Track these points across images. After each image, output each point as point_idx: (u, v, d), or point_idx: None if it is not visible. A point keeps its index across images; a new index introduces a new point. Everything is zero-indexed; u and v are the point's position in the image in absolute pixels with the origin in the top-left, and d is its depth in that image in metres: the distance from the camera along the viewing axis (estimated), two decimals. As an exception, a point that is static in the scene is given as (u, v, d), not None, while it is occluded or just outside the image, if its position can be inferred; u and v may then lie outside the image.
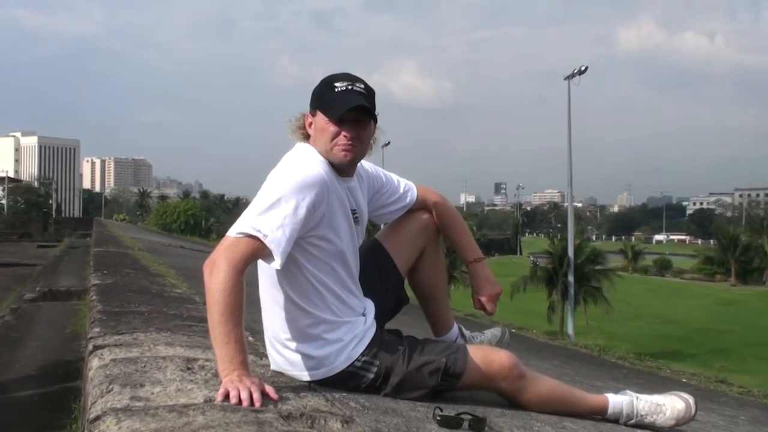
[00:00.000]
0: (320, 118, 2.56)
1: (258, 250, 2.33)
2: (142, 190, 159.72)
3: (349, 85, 2.55)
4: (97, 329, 3.25)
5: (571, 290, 36.46)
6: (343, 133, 2.53)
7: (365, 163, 2.78)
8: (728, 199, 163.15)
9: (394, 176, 2.95)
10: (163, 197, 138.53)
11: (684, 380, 6.17)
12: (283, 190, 2.39)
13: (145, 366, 2.51)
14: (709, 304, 55.46)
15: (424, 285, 3.02)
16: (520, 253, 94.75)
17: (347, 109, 2.50)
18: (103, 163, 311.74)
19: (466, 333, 3.13)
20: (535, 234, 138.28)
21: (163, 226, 67.97)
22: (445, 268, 3.08)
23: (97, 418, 1.90)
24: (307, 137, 2.62)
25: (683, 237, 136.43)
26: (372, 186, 2.83)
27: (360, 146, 2.58)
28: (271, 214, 2.35)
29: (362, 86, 2.57)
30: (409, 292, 3.02)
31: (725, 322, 47.19)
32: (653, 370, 6.75)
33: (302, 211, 2.38)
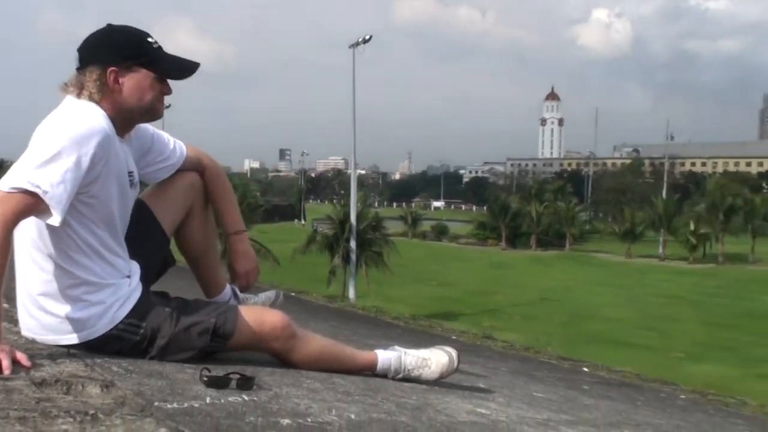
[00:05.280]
0: (144, 75, 2.47)
1: (33, 207, 2.18)
2: None
3: (157, 42, 2.54)
4: None
5: (353, 255, 37.29)
6: (163, 90, 2.53)
7: None
8: (501, 168, 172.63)
9: (164, 134, 2.83)
10: None
11: (453, 337, 6.48)
12: (63, 143, 2.24)
13: None
14: (482, 267, 58.69)
15: (191, 246, 2.93)
16: (304, 219, 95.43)
17: (192, 71, 2.57)
18: None
19: (240, 295, 3.08)
20: (319, 200, 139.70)
21: None
22: (214, 228, 3.01)
23: None
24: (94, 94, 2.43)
25: (460, 203, 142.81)
26: (142, 145, 2.71)
27: None
28: (50, 168, 2.19)
29: None
30: (178, 254, 2.94)
31: (496, 283, 50.18)
32: (426, 329, 7.05)
33: (84, 166, 2.25)
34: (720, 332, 35.25)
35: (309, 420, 2.07)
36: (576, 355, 6.84)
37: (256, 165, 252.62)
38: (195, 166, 2.86)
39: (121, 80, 2.45)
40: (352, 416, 2.20)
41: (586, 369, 5.61)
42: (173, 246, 2.90)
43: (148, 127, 2.75)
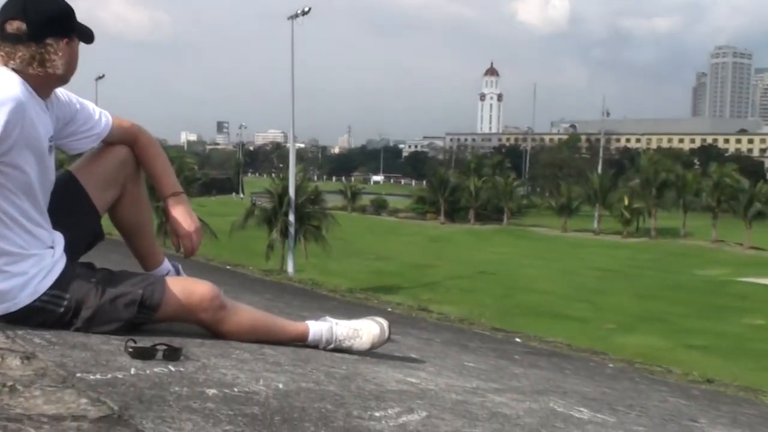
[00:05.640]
0: (76, 43, 2.53)
1: None
2: None
3: None
4: None
5: (292, 229, 37.16)
6: None
7: (58, 90, 2.60)
8: (440, 143, 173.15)
9: (89, 104, 2.77)
10: None
11: (389, 309, 6.50)
12: None
13: None
14: (421, 241, 59.11)
15: (125, 221, 2.87)
16: (243, 193, 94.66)
17: (93, 36, 2.59)
18: None
19: (182, 272, 3.04)
20: (257, 174, 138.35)
21: None
22: (148, 203, 2.96)
23: None
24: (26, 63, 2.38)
25: (399, 178, 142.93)
26: (66, 114, 2.64)
27: None
28: None
29: None
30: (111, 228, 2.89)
31: (434, 257, 50.61)
32: (362, 301, 7.07)
33: None
34: (651, 304, 36.18)
35: (236, 390, 2.06)
36: (510, 327, 6.94)
37: (193, 138, 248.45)
38: (123, 138, 2.80)
39: (68, 51, 2.48)
40: (280, 386, 2.20)
41: (518, 340, 5.70)
42: (106, 220, 2.84)
43: (73, 96, 2.69)
